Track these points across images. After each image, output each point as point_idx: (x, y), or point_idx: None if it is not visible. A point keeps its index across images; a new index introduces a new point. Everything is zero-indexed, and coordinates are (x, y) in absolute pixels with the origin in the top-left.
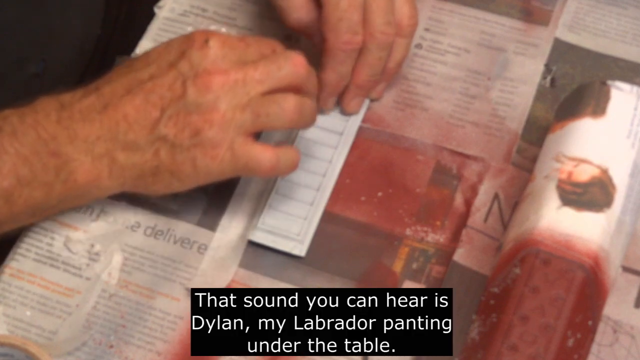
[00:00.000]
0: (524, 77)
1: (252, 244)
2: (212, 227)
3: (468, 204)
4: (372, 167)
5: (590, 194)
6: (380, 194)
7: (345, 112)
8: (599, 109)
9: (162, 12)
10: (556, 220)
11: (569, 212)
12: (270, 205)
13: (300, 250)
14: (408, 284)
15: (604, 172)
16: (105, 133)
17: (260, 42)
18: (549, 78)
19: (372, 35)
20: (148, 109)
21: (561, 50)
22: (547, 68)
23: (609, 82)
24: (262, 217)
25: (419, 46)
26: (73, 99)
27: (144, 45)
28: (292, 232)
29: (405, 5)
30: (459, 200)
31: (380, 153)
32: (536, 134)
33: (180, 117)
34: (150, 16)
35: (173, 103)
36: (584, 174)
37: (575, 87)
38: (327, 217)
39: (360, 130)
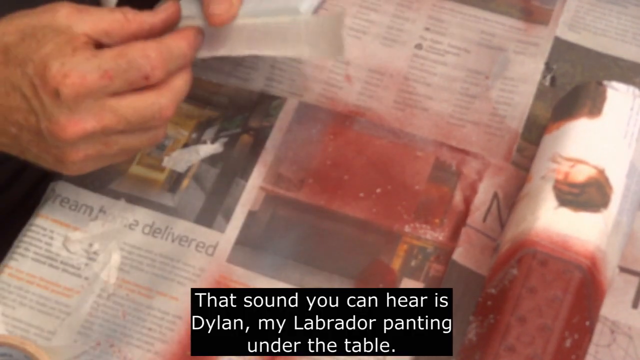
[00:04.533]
0: (524, 76)
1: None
2: (210, 224)
3: (467, 202)
4: (371, 163)
5: (587, 195)
6: (379, 190)
7: None
8: (595, 109)
9: None
10: (553, 220)
11: (566, 213)
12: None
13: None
14: (406, 282)
15: (601, 172)
16: None
17: (130, 70)
18: (549, 77)
19: None
20: (7, 125)
21: (561, 49)
22: (548, 67)
23: (605, 83)
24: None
25: (419, 46)
26: None
27: None
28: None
29: None
30: (458, 198)
31: (378, 148)
32: (536, 133)
33: (41, 144)
34: None
35: (31, 132)
36: (580, 174)
37: (575, 86)
38: (326, 214)
39: (359, 124)
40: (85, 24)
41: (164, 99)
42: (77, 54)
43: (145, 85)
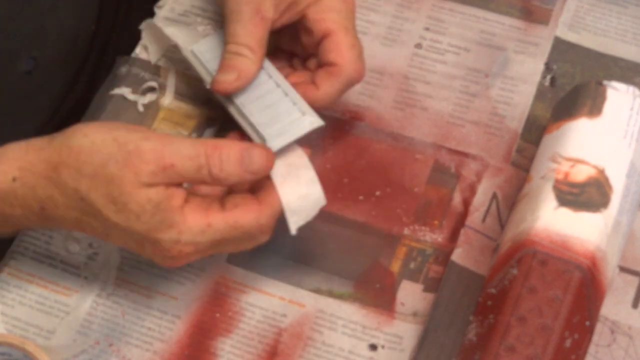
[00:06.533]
0: (524, 76)
1: None
2: None
3: (466, 203)
4: (370, 166)
5: (587, 195)
6: (378, 193)
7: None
8: (595, 109)
9: (162, 12)
10: (553, 220)
11: (565, 213)
12: (258, 123)
13: (316, 120)
14: (406, 284)
15: (601, 172)
16: None
17: (242, 238)
18: (549, 77)
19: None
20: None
21: (561, 49)
22: (547, 67)
23: (605, 82)
24: (263, 132)
25: (418, 46)
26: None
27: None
28: (294, 117)
29: None
30: (457, 199)
31: (378, 152)
32: (536, 133)
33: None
34: (149, 14)
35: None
36: (580, 174)
37: (575, 86)
38: (325, 216)
39: (359, 129)
40: (171, 181)
41: (264, 218)
42: (188, 220)
43: None
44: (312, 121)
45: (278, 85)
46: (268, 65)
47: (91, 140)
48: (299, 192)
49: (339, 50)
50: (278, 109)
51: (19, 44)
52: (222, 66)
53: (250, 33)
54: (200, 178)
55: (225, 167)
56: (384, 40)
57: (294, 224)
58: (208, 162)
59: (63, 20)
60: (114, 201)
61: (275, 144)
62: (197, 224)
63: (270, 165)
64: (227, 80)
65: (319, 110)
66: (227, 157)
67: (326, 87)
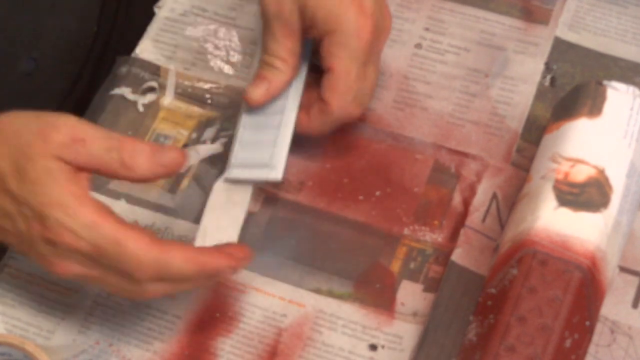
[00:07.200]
0: (524, 76)
1: None
2: None
3: (466, 203)
4: (370, 167)
5: (587, 195)
6: (378, 193)
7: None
8: (595, 109)
9: (162, 12)
10: (553, 220)
11: (565, 213)
12: (240, 140)
13: (275, 174)
14: (406, 284)
15: (601, 172)
16: None
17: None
18: (549, 77)
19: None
20: None
21: (561, 49)
22: (547, 67)
23: (605, 82)
24: (234, 153)
25: (418, 46)
26: None
27: (145, 45)
28: (263, 158)
29: None
30: (457, 199)
31: (378, 152)
32: (536, 133)
33: (31, 252)
34: (149, 14)
35: (21, 246)
36: (580, 174)
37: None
38: (325, 216)
39: (359, 129)
40: (79, 158)
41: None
42: (81, 210)
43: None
44: (270, 173)
45: (282, 112)
46: (299, 80)
47: (15, 114)
48: (219, 224)
49: (334, 91)
50: (262, 137)
51: (19, 45)
52: (255, 77)
53: (280, 45)
54: (109, 161)
55: (137, 157)
56: None
57: (199, 242)
58: (120, 145)
59: (63, 20)
60: (18, 169)
61: (232, 173)
62: (87, 217)
63: (182, 163)
64: (257, 94)
65: (310, 136)
66: (140, 148)
67: (317, 121)
